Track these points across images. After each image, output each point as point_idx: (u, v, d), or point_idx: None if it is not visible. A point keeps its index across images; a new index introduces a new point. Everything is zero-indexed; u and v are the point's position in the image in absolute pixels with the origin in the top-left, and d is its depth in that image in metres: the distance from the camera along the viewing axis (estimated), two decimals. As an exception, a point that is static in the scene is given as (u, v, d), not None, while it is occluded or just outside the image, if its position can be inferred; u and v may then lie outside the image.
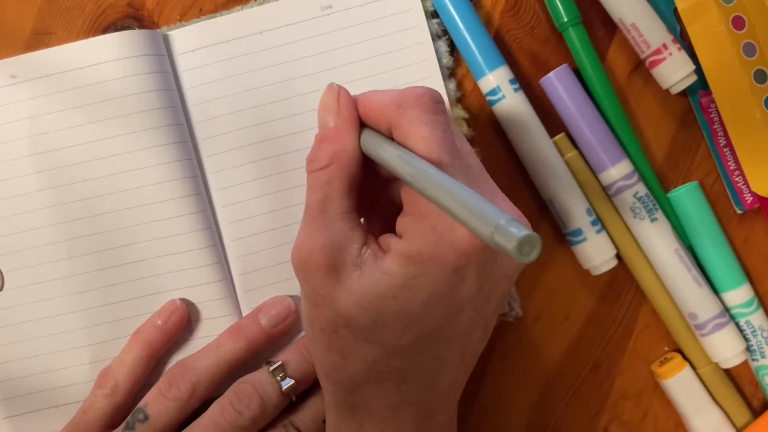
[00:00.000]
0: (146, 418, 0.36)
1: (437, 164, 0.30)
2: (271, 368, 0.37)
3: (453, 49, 0.41)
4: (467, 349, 0.33)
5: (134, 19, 0.40)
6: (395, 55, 0.40)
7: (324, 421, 0.37)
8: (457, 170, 0.30)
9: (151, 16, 0.41)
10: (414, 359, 0.31)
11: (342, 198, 0.32)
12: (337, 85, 0.33)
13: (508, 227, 0.23)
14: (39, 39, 0.40)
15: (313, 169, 0.32)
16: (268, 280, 0.39)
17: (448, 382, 0.33)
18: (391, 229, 0.32)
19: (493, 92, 0.39)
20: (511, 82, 0.39)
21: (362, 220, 0.33)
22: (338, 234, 0.31)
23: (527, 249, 0.22)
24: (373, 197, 0.35)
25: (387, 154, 0.31)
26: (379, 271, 0.30)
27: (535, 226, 0.41)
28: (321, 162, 0.32)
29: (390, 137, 0.32)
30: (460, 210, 0.25)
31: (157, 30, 0.40)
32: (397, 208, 0.33)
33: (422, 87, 0.32)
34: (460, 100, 0.41)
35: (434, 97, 0.32)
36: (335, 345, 0.31)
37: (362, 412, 0.32)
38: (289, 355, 0.37)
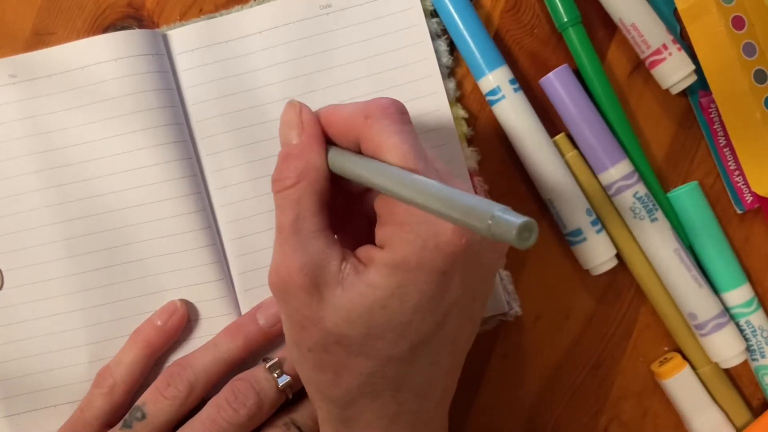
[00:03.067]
0: (144, 416, 0.36)
1: (413, 171, 0.29)
2: (268, 365, 0.37)
3: (452, 48, 0.41)
4: (457, 350, 0.33)
5: (134, 19, 0.41)
6: (394, 54, 0.40)
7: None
8: (430, 175, 0.30)
9: (151, 16, 0.41)
10: (409, 368, 0.31)
11: (314, 215, 0.31)
12: (298, 101, 0.33)
13: (504, 217, 0.23)
14: (39, 39, 0.40)
15: (280, 189, 0.32)
16: (267, 279, 0.39)
17: (442, 387, 0.33)
18: (365, 243, 0.32)
19: (493, 92, 0.39)
20: (511, 82, 0.39)
21: (335, 237, 0.32)
22: (315, 253, 0.30)
23: (526, 234, 0.23)
24: (343, 214, 0.35)
25: (361, 168, 0.30)
26: (364, 285, 0.30)
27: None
28: (288, 180, 0.31)
29: (356, 151, 0.32)
30: (451, 209, 0.25)
31: (157, 30, 0.40)
32: (370, 222, 0.33)
33: (386, 98, 0.32)
34: (459, 99, 0.41)
35: (399, 108, 0.32)
36: (327, 363, 0.31)
37: (358, 425, 0.32)
38: (285, 352, 0.37)
